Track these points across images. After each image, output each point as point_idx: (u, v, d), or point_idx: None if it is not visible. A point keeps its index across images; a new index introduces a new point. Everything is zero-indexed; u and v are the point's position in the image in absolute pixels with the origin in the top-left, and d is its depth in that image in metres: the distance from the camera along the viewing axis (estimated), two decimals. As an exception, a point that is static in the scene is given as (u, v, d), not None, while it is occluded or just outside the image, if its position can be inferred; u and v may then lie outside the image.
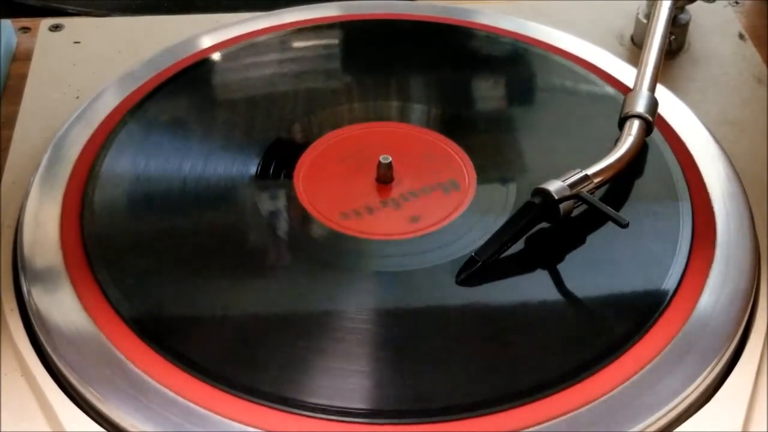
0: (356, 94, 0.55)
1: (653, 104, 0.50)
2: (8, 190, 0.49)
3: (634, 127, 0.49)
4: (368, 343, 0.41)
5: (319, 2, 0.62)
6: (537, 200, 0.44)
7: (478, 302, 0.42)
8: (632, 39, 0.62)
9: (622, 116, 0.50)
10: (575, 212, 0.45)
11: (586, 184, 0.45)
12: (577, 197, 0.44)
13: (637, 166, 0.49)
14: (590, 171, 0.45)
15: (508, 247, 0.44)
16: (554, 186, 0.44)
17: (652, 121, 0.49)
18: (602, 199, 0.47)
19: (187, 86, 0.55)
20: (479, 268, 0.43)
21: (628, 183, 0.48)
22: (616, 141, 0.49)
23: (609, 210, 0.43)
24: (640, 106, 0.49)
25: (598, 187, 0.46)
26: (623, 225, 0.43)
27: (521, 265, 0.44)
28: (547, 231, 0.45)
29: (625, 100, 0.50)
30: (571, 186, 0.44)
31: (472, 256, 0.43)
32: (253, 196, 0.48)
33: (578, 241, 0.45)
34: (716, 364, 0.40)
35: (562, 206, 0.44)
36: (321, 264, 0.44)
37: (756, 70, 0.60)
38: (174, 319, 0.42)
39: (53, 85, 0.57)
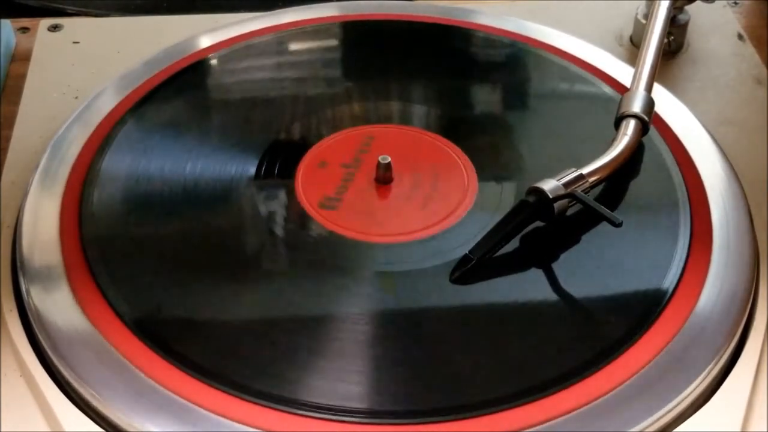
0: (356, 95, 0.55)
1: (649, 104, 0.50)
2: (7, 190, 0.49)
3: (630, 126, 0.49)
4: (367, 344, 0.41)
5: (319, 2, 0.62)
6: (531, 199, 0.44)
7: (475, 302, 0.42)
8: (631, 39, 0.62)
9: (618, 116, 0.50)
10: (573, 212, 0.45)
11: (581, 183, 0.45)
12: (572, 196, 0.44)
13: (636, 166, 0.49)
14: (585, 170, 0.46)
15: (502, 246, 0.44)
16: (549, 185, 0.44)
17: (648, 121, 0.49)
18: (602, 198, 0.47)
19: (186, 87, 0.55)
20: (473, 266, 0.43)
21: (627, 183, 0.48)
22: (613, 141, 0.49)
23: (603, 209, 0.43)
24: (636, 106, 0.49)
25: (593, 186, 0.46)
26: (617, 224, 0.43)
27: (517, 264, 0.44)
28: (544, 230, 0.45)
29: (621, 100, 0.50)
30: (566, 185, 0.44)
31: (466, 254, 0.43)
32: (252, 197, 0.48)
33: (577, 240, 0.45)
34: (715, 365, 0.40)
35: (557, 205, 0.44)
36: (320, 265, 0.44)
37: (755, 71, 0.60)
38: (173, 319, 0.42)
39: (52, 85, 0.57)
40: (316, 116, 0.53)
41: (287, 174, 0.49)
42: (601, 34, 0.62)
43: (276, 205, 0.47)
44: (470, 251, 0.43)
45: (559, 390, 0.38)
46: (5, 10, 0.64)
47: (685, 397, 0.39)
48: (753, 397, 0.40)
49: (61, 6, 0.66)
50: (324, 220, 0.46)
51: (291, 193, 0.48)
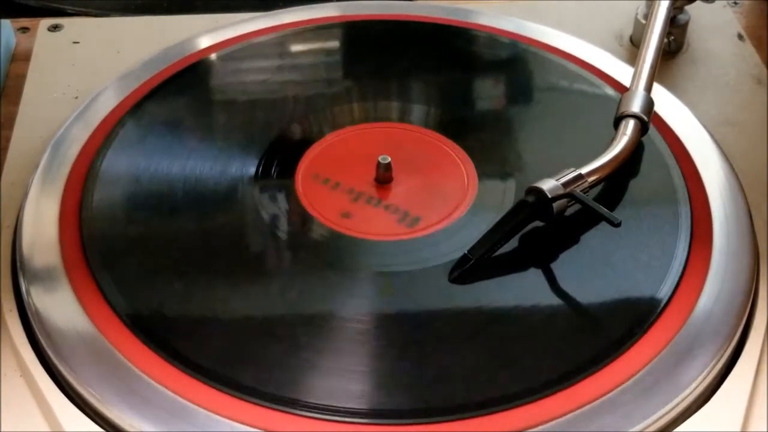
0: (356, 94, 0.55)
1: (649, 104, 0.50)
2: (7, 191, 0.49)
3: (629, 126, 0.49)
4: (368, 343, 0.41)
5: (319, 2, 0.62)
6: (530, 198, 0.44)
7: (474, 302, 0.42)
8: (631, 39, 0.62)
9: (618, 116, 0.50)
10: (573, 212, 0.45)
11: (579, 183, 0.45)
12: (570, 196, 0.44)
13: (636, 166, 0.49)
14: (584, 170, 0.46)
15: (501, 245, 0.44)
16: (547, 185, 0.44)
17: (648, 121, 0.49)
18: (602, 198, 0.47)
19: (186, 86, 0.55)
20: (472, 266, 0.43)
21: (627, 183, 0.48)
22: (612, 141, 0.49)
23: (601, 209, 0.43)
24: (636, 106, 0.49)
25: (592, 186, 0.46)
26: (615, 224, 0.43)
27: (516, 264, 0.44)
28: (543, 230, 0.45)
29: (620, 100, 0.50)
30: (565, 185, 0.44)
31: (464, 253, 0.43)
32: (253, 197, 0.48)
33: (576, 240, 0.45)
34: (715, 365, 0.40)
35: (555, 205, 0.44)
36: (321, 264, 0.44)
37: (755, 71, 0.60)
38: (173, 319, 0.42)
39: (52, 85, 0.57)
40: (315, 116, 0.53)
41: (287, 173, 0.49)
42: (601, 34, 0.62)
43: (276, 205, 0.47)
44: (469, 251, 0.44)
45: (560, 390, 0.38)
46: (5, 10, 0.64)
47: (685, 397, 0.39)
48: (753, 397, 0.40)
49: (61, 6, 0.66)
50: (324, 220, 0.46)
51: (291, 192, 0.48)
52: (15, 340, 0.42)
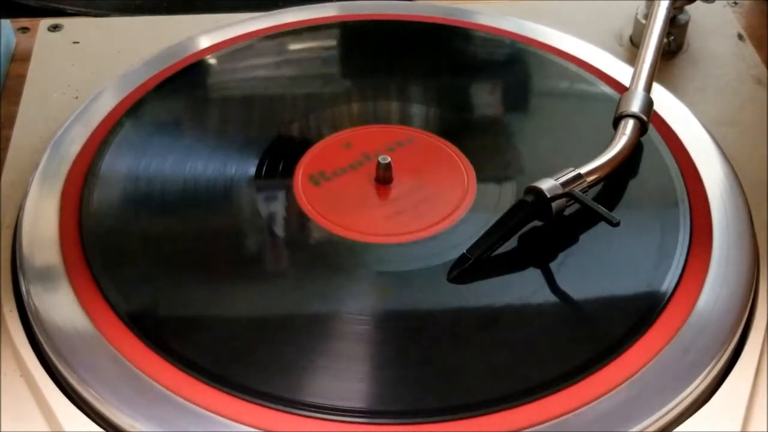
0: (356, 95, 0.55)
1: (648, 104, 0.50)
2: (7, 190, 0.49)
3: (628, 126, 0.49)
4: (367, 344, 0.41)
5: (319, 2, 0.62)
6: (529, 198, 0.44)
7: (474, 302, 0.42)
8: (631, 39, 0.62)
9: (617, 116, 0.50)
10: (573, 211, 0.45)
11: (579, 182, 0.45)
12: (569, 196, 0.44)
13: (636, 166, 0.49)
14: (583, 170, 0.46)
15: (500, 245, 0.44)
16: (546, 184, 0.44)
17: (647, 121, 0.49)
18: (602, 199, 0.47)
19: (186, 86, 0.55)
20: (471, 265, 0.43)
21: (626, 183, 0.48)
22: (611, 141, 0.49)
23: (600, 209, 0.43)
24: (635, 106, 0.49)
25: (591, 185, 0.46)
26: (614, 224, 0.43)
27: (515, 264, 0.44)
28: (542, 230, 0.45)
29: (620, 100, 0.50)
30: (564, 184, 0.44)
31: (463, 253, 0.43)
32: (252, 197, 0.48)
33: (575, 240, 0.45)
34: (715, 364, 0.40)
35: (554, 204, 0.44)
36: (320, 265, 0.44)
37: (755, 71, 0.60)
38: (173, 318, 0.42)
39: (52, 85, 0.57)
40: (315, 116, 0.53)
41: (286, 174, 0.49)
42: (601, 34, 0.62)
43: (275, 205, 0.47)
44: (468, 250, 0.44)
45: (560, 390, 0.38)
46: (5, 10, 0.64)
47: (685, 397, 0.39)
48: (753, 397, 0.40)
49: (61, 6, 0.66)
50: (323, 220, 0.46)
51: (290, 192, 0.48)
52: (15, 340, 0.42)
